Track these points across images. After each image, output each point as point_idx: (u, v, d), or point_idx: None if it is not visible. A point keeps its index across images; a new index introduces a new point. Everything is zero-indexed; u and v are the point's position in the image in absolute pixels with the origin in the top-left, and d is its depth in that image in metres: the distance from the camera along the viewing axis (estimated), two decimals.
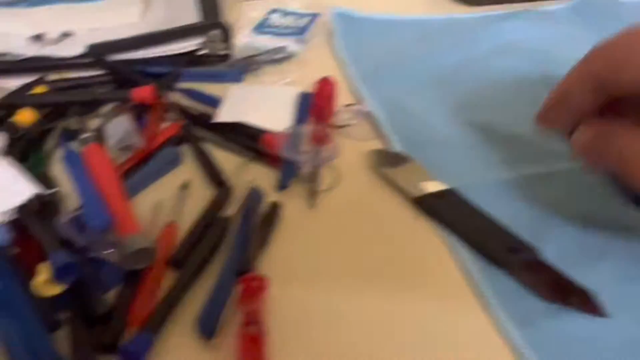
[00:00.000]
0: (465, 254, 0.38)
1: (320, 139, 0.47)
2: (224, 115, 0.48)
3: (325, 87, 0.53)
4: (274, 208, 0.41)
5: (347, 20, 0.64)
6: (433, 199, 0.42)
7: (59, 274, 0.33)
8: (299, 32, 0.63)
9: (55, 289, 0.34)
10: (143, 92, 0.48)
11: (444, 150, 0.47)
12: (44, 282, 0.33)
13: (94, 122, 0.49)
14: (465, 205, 0.41)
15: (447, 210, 0.41)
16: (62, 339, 0.33)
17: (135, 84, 0.51)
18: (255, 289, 0.35)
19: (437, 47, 0.60)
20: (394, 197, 0.44)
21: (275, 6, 0.69)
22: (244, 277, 0.35)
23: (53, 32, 0.54)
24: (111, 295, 0.35)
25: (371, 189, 0.45)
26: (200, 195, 0.43)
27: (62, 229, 0.37)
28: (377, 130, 0.50)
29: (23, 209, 0.38)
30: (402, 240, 0.41)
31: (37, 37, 0.54)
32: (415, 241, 0.40)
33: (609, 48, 0.34)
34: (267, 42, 0.62)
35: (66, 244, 0.36)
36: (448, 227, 0.40)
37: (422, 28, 0.64)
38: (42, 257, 0.36)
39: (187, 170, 0.46)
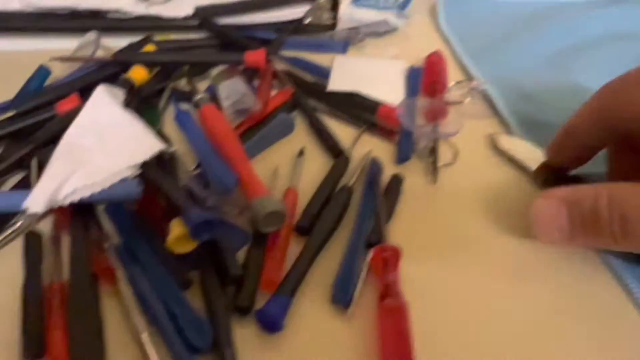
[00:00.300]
0: None
1: (436, 114, 0.45)
2: (338, 84, 0.47)
3: (436, 61, 0.51)
4: (396, 180, 0.40)
5: None
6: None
7: (195, 231, 0.32)
8: (400, 6, 0.61)
9: (188, 246, 0.33)
10: (255, 56, 0.46)
11: None
12: (177, 239, 0.32)
13: (203, 84, 0.48)
14: None
15: None
16: (192, 298, 0.32)
17: (241, 48, 0.50)
18: (390, 260, 0.33)
19: (547, 30, 0.57)
20: (513, 174, 0.42)
21: None
22: (377, 248, 0.34)
23: None
24: (239, 257, 0.34)
25: (490, 166, 0.43)
26: (315, 163, 0.42)
27: (188, 186, 0.37)
28: (491, 108, 0.48)
29: (147, 164, 0.37)
30: (522, 215, 0.39)
31: None
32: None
33: (617, 83, 0.33)
34: (367, 14, 0.60)
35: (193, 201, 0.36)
36: None
37: (531, 9, 0.61)
38: (164, 214, 0.36)
39: (300, 137, 0.45)
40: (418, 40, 0.57)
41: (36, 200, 0.31)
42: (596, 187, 0.29)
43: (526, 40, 0.57)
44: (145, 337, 0.29)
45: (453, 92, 0.49)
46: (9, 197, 0.35)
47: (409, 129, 0.43)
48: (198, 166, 0.40)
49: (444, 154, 0.43)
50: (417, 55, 0.53)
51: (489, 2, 0.62)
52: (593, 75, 0.51)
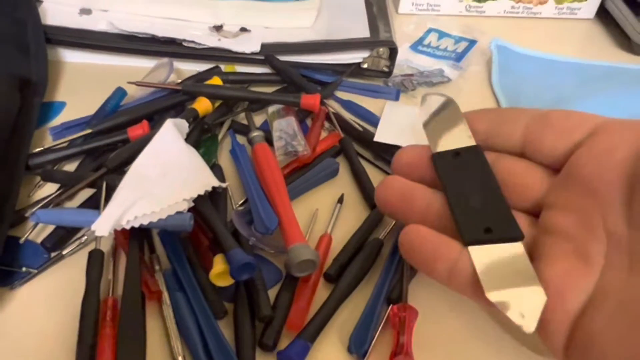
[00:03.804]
0: None
1: None
2: (384, 135, 0.50)
3: None
4: None
5: (506, 53, 0.64)
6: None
7: (236, 272, 0.35)
8: (456, 57, 0.63)
9: (228, 281, 0.37)
10: (311, 100, 0.50)
11: None
12: (219, 274, 0.36)
13: (260, 118, 0.52)
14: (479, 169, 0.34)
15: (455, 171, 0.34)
16: (224, 327, 0.36)
17: (300, 88, 0.54)
18: (406, 319, 0.36)
19: (600, 95, 0.58)
20: None
21: (431, 24, 0.69)
22: (396, 306, 0.37)
23: (232, 25, 0.58)
24: (270, 295, 0.38)
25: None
26: (353, 211, 0.45)
27: (233, 222, 0.41)
28: None
29: (200, 198, 0.41)
30: None
31: (217, 28, 0.58)
32: None
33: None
34: (423, 62, 0.63)
35: (234, 235, 0.40)
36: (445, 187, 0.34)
37: (583, 72, 0.62)
38: (210, 246, 0.40)
39: (342, 182, 0.48)
40: (469, 94, 0.59)
41: (103, 225, 0.36)
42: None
43: (577, 105, 0.58)
44: None
45: None
46: (81, 214, 0.40)
47: None
48: (245, 201, 0.44)
49: None
50: (467, 109, 0.55)
51: (542, 62, 0.63)
52: None
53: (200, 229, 0.41)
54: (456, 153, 0.35)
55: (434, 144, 0.36)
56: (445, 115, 0.38)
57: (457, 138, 0.35)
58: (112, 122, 0.48)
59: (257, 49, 0.55)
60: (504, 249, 0.30)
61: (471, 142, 0.35)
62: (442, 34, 0.68)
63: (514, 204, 0.32)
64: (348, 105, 0.55)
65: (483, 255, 0.30)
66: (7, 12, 0.53)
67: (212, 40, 0.56)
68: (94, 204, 0.42)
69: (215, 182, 0.40)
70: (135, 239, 0.39)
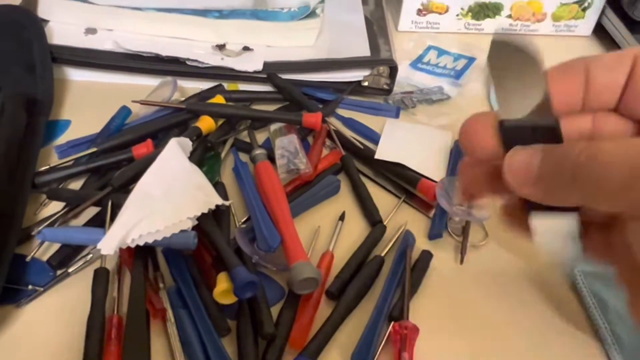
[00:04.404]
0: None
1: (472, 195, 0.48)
2: (384, 153, 0.50)
3: None
4: (426, 257, 0.43)
5: None
6: None
7: (240, 291, 0.36)
8: (455, 74, 0.64)
9: (231, 299, 0.37)
10: (313, 118, 0.51)
11: None
12: (223, 292, 0.37)
13: (263, 136, 0.53)
14: None
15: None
16: (227, 344, 0.37)
17: (301, 105, 0.55)
18: (407, 337, 0.37)
19: None
20: (542, 262, 0.44)
21: (431, 42, 0.71)
22: (397, 324, 0.37)
23: (234, 44, 0.59)
24: (272, 312, 0.39)
25: (519, 250, 0.45)
26: (354, 227, 0.46)
27: (236, 239, 0.41)
28: None
29: (203, 216, 0.41)
30: (543, 304, 0.42)
31: (220, 47, 0.59)
32: (562, 309, 0.41)
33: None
34: (423, 79, 0.63)
35: (237, 252, 0.40)
36: None
37: None
38: (213, 263, 0.41)
39: (344, 199, 0.49)
40: (468, 112, 0.60)
41: (108, 244, 0.37)
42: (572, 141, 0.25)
43: None
44: None
45: None
46: (86, 233, 0.40)
47: (445, 209, 0.46)
48: (248, 219, 0.45)
49: (475, 234, 0.46)
50: None
51: None
52: None
53: (204, 247, 0.42)
54: (532, 128, 0.27)
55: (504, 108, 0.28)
56: (521, 67, 0.29)
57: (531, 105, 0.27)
58: (117, 140, 0.48)
59: (260, 67, 0.56)
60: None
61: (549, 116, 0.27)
62: (441, 52, 0.69)
63: None
64: (349, 123, 0.56)
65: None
66: (15, 33, 0.54)
67: (215, 59, 0.57)
68: (99, 222, 0.43)
69: (219, 200, 0.41)
70: (140, 257, 0.40)
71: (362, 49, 0.59)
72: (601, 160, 0.23)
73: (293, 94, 0.55)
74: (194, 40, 0.59)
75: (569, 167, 0.24)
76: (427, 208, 0.48)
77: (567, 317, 0.41)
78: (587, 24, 0.74)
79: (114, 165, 0.47)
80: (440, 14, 0.71)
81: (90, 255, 0.41)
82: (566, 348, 0.39)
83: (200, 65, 0.56)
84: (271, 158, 0.48)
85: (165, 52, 0.56)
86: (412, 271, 0.42)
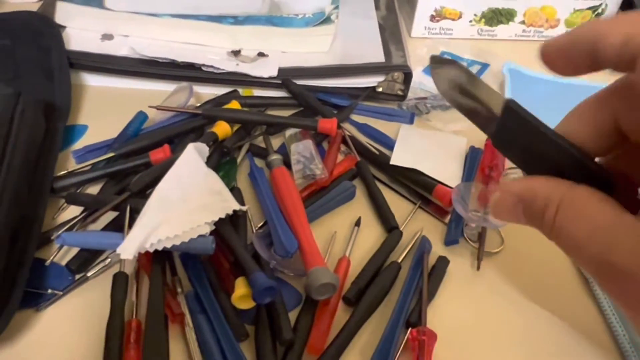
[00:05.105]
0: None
1: (488, 202, 0.48)
2: (399, 159, 0.50)
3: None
4: (442, 263, 0.43)
5: (518, 76, 0.65)
6: None
7: (259, 296, 0.36)
8: None
9: (249, 304, 0.37)
10: (328, 124, 0.51)
11: None
12: (241, 297, 0.37)
13: (278, 141, 0.53)
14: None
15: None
16: (246, 349, 0.37)
17: (316, 111, 0.55)
18: (425, 343, 0.37)
19: None
20: (561, 269, 0.44)
21: (444, 48, 0.71)
22: (415, 330, 0.37)
23: (249, 50, 0.59)
24: (290, 318, 0.39)
25: (534, 256, 0.45)
26: (370, 232, 0.46)
27: (254, 244, 0.41)
28: None
29: (221, 221, 0.42)
30: (561, 311, 0.41)
31: (235, 53, 0.59)
32: (580, 317, 0.41)
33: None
34: None
35: (255, 257, 0.40)
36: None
37: None
38: (231, 268, 0.41)
39: (359, 204, 0.49)
40: None
41: (128, 249, 0.37)
42: (551, 188, 0.24)
43: None
44: None
45: (510, 178, 0.51)
46: (105, 237, 0.41)
47: (461, 215, 0.46)
48: (264, 224, 0.45)
49: (491, 240, 0.46)
50: (480, 133, 0.56)
51: (555, 85, 0.64)
52: None
53: (221, 252, 0.42)
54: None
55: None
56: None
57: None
58: (134, 145, 0.49)
59: (275, 73, 0.56)
60: None
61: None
62: (454, 58, 0.69)
63: None
64: (363, 129, 0.56)
65: None
66: (33, 39, 0.55)
67: (230, 65, 0.57)
68: (117, 227, 0.43)
69: (236, 206, 0.41)
70: (158, 261, 0.40)
71: (377, 55, 0.59)
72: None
73: (308, 99, 0.55)
74: (209, 46, 0.60)
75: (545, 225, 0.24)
76: (442, 214, 0.48)
77: (585, 325, 0.41)
78: None
79: (131, 170, 0.47)
80: (453, 20, 0.72)
81: (109, 259, 0.41)
82: (586, 356, 0.39)
83: (215, 71, 0.56)
84: (287, 164, 0.49)
85: (180, 58, 0.56)
86: (429, 277, 0.42)
